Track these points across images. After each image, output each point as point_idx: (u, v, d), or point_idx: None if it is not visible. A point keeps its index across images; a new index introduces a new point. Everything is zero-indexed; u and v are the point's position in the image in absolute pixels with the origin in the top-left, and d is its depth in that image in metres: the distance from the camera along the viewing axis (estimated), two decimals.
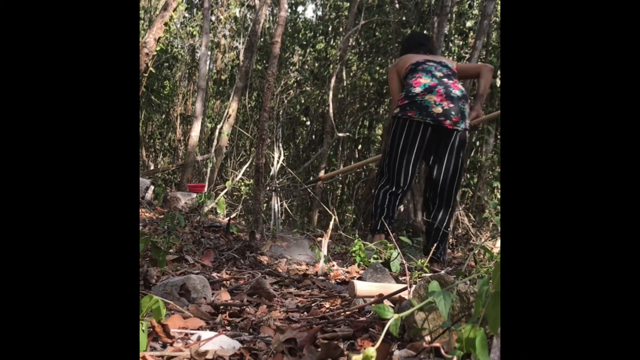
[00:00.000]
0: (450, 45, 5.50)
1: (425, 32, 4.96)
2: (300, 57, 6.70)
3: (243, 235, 3.01)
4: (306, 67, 6.44)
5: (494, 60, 4.59)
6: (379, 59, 5.98)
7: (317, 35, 6.51)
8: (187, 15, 7.54)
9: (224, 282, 1.62)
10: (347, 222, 5.73)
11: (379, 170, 3.01)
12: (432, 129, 2.71)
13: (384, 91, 5.81)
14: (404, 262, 1.43)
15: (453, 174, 2.77)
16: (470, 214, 4.49)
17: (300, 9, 8.69)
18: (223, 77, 7.41)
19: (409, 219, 4.46)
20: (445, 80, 2.77)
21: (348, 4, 5.93)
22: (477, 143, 4.74)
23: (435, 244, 2.59)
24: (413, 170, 2.79)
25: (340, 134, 5.33)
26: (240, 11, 7.00)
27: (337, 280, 1.82)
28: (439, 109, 2.69)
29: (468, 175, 4.84)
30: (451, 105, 2.70)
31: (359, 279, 1.62)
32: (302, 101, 6.47)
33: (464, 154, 2.81)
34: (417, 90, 2.73)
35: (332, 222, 2.47)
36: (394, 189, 2.80)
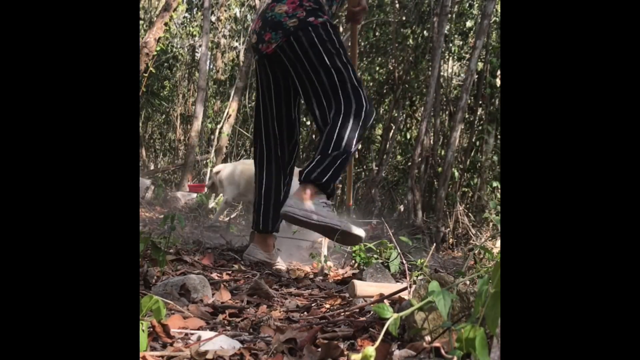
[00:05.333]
0: (450, 45, 5.50)
1: (425, 32, 4.96)
2: None
3: (243, 235, 3.01)
4: None
5: (494, 61, 4.59)
6: (379, 59, 5.98)
7: None
8: (187, 15, 7.54)
9: (224, 282, 1.62)
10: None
11: None
12: (262, 64, 2.08)
13: (384, 91, 5.81)
14: (404, 262, 1.43)
15: (309, 95, 2.01)
16: (470, 214, 4.49)
17: None
18: (223, 77, 7.41)
19: (409, 219, 4.45)
20: None
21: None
22: (477, 143, 4.73)
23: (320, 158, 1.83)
24: (273, 133, 2.13)
25: None
26: (240, 11, 7.00)
27: (337, 280, 1.82)
28: (254, 37, 2.05)
29: (468, 175, 4.84)
30: (260, 24, 2.01)
31: (358, 278, 1.62)
32: (302, 101, 6.47)
33: (315, 60, 1.89)
34: None
35: None
36: (261, 162, 2.15)
